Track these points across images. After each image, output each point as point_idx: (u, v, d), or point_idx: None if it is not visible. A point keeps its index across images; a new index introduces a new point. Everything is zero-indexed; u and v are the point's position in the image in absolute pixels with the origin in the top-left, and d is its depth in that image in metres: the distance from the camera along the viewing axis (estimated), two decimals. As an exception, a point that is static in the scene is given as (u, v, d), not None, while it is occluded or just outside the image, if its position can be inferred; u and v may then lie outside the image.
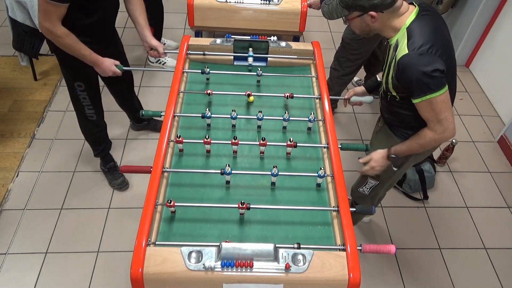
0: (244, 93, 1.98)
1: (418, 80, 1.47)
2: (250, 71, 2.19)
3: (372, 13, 1.48)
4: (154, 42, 2.20)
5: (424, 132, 1.63)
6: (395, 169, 1.89)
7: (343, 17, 1.57)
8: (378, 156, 1.80)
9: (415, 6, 1.56)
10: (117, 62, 2.13)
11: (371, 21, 1.52)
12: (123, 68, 2.17)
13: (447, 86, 1.50)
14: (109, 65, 2.09)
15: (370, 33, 1.62)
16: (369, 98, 1.97)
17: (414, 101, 1.53)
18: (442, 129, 1.57)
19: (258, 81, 2.15)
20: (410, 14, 1.52)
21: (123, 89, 2.62)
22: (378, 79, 2.02)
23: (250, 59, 2.17)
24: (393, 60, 1.53)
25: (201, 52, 2.18)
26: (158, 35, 3.60)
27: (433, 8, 1.62)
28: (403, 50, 1.48)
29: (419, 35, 1.47)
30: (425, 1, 3.51)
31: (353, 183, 2.22)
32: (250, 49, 2.19)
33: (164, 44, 3.74)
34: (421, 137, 1.65)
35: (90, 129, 2.47)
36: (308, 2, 2.84)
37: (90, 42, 1.98)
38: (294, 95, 2.07)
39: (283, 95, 1.97)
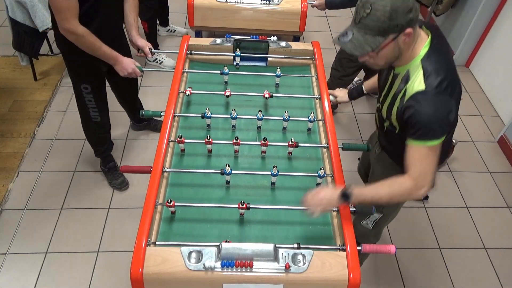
0: (262, 94, 1.98)
1: (427, 123, 1.31)
2: (237, 69, 2.19)
3: (409, 30, 1.28)
4: (139, 42, 2.17)
5: (403, 180, 1.39)
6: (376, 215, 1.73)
7: (374, 48, 1.31)
8: (327, 194, 1.44)
9: (426, 33, 1.41)
10: (137, 63, 2.11)
11: (405, 41, 1.31)
12: (143, 69, 2.14)
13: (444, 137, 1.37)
14: (129, 62, 2.07)
15: (394, 59, 1.39)
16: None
17: (411, 141, 1.37)
18: (423, 183, 1.38)
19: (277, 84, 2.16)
20: (423, 43, 1.38)
21: (129, 92, 2.62)
22: (364, 91, 1.94)
23: (238, 59, 2.19)
24: (402, 92, 1.39)
25: (201, 52, 2.19)
26: (164, 22, 3.73)
27: (437, 29, 1.48)
28: (418, 85, 1.33)
29: (436, 70, 1.33)
30: (425, 2, 3.54)
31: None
32: (237, 49, 2.20)
33: (174, 31, 3.81)
34: (397, 184, 1.41)
35: (93, 130, 2.46)
36: (313, 3, 2.84)
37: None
38: (294, 95, 2.07)
39: (262, 94, 1.98)
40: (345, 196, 1.41)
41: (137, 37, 2.16)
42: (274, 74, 2.16)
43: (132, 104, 2.74)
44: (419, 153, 1.36)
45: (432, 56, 1.36)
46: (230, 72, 2.11)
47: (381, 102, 1.55)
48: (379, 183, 1.44)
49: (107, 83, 2.36)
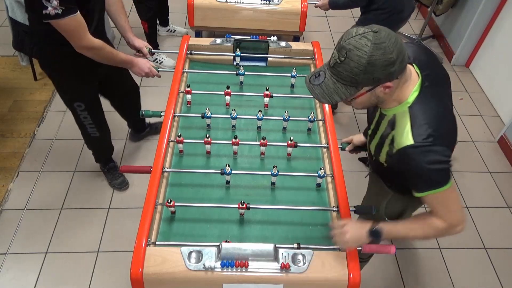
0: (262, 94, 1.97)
1: (427, 177, 1.23)
2: (238, 69, 2.20)
3: (388, 83, 1.16)
4: (136, 43, 2.14)
5: (436, 222, 1.30)
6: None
7: (344, 98, 1.20)
8: (354, 234, 1.36)
9: (417, 74, 1.28)
10: (151, 62, 2.09)
11: (384, 92, 1.19)
12: (159, 69, 2.12)
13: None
14: (145, 62, 2.05)
15: (374, 105, 1.30)
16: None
17: (420, 194, 1.27)
18: (456, 221, 1.30)
19: (293, 85, 2.14)
20: (413, 85, 1.25)
21: (131, 103, 2.60)
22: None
23: (238, 59, 2.19)
24: (390, 138, 1.30)
25: (201, 52, 2.18)
26: (164, 22, 3.71)
27: (432, 64, 1.35)
28: (406, 138, 1.21)
29: (424, 120, 1.21)
30: (425, 2, 3.54)
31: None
32: (237, 49, 2.20)
33: (174, 31, 3.79)
34: (430, 227, 1.32)
35: (93, 144, 2.48)
36: (316, 4, 2.83)
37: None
38: (294, 95, 2.07)
39: (262, 94, 1.97)
40: (375, 233, 1.33)
41: (134, 39, 2.14)
42: (274, 74, 2.17)
43: (134, 115, 2.63)
44: (437, 201, 1.28)
45: (421, 104, 1.24)
46: (229, 73, 2.11)
47: (370, 136, 1.45)
48: (410, 222, 1.38)
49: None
